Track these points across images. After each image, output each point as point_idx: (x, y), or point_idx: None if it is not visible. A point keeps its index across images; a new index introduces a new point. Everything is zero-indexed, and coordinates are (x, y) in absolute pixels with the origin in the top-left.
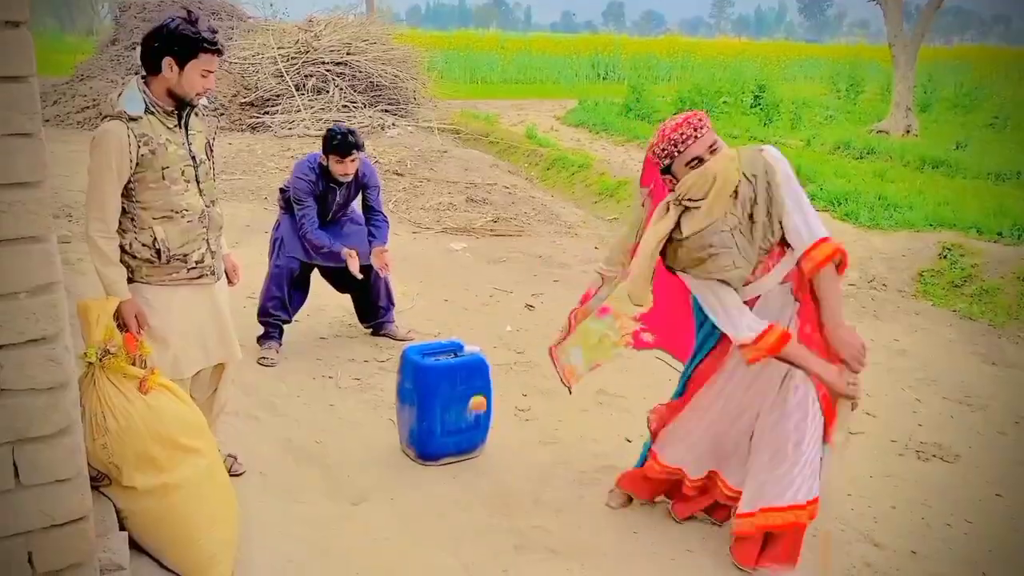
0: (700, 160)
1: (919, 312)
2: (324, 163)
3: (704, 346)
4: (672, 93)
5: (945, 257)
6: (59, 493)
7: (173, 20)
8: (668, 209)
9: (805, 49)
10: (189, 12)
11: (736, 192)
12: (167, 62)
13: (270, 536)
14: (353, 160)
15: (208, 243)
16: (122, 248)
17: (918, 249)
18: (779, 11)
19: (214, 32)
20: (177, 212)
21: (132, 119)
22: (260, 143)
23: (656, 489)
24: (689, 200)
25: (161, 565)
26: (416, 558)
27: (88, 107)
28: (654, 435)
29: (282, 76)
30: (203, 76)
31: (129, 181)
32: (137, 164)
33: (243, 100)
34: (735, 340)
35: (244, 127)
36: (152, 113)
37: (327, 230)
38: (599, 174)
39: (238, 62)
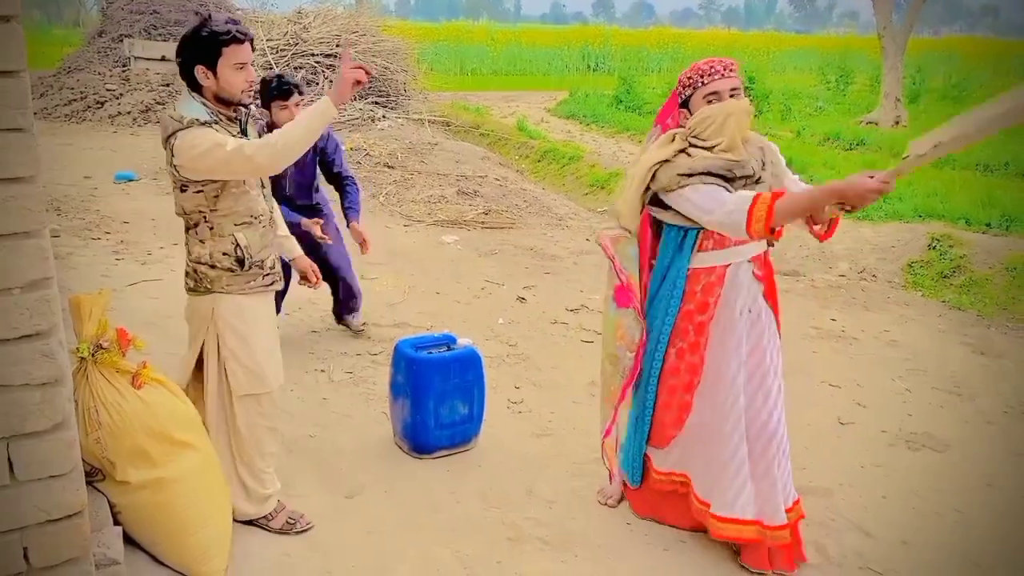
0: (719, 97)
1: (909, 303)
2: (269, 121)
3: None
4: (662, 84)
5: (934, 248)
6: (54, 488)
7: (191, 28)
8: (673, 139)
9: (795, 40)
10: (206, 17)
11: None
12: (200, 71)
13: (264, 530)
14: (298, 104)
15: (273, 248)
16: (199, 260)
17: (907, 240)
18: (769, 2)
19: (231, 23)
20: (255, 217)
21: (204, 124)
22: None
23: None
24: (695, 136)
25: (156, 559)
26: (411, 550)
27: (75, 100)
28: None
29: (271, 68)
30: (239, 69)
31: (209, 189)
32: None
33: None
34: (735, 230)
35: None
36: (217, 121)
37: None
38: (590, 166)
39: None
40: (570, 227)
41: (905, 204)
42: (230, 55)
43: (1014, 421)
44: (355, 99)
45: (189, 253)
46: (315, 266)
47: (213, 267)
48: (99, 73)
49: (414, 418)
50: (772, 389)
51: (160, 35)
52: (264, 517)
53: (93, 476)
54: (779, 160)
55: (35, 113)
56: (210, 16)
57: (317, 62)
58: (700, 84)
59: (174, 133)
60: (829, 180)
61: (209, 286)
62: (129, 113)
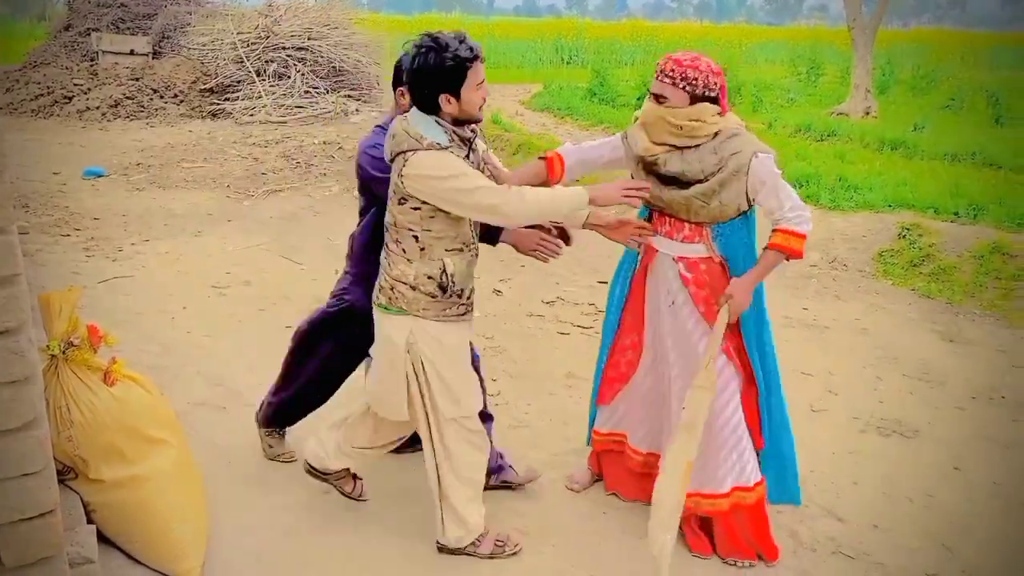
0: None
1: (879, 291)
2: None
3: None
4: (636, 77)
5: (904, 237)
6: (26, 487)
7: (425, 55)
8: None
9: (766, 32)
10: (435, 39)
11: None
12: (444, 99)
13: (241, 526)
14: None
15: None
16: (401, 279)
17: (878, 229)
18: None
19: (463, 41)
20: (466, 245)
21: (443, 149)
22: (221, 130)
23: (623, 480)
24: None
25: (131, 558)
26: (389, 545)
27: (42, 95)
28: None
29: (242, 62)
30: (478, 87)
31: (426, 208)
32: None
33: (203, 87)
34: None
35: (204, 114)
36: (451, 143)
37: None
38: None
39: (197, 48)
40: None
41: (875, 194)
42: (472, 77)
43: (982, 406)
44: (328, 92)
45: (390, 268)
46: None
47: (414, 288)
48: (66, 68)
49: None
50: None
51: (128, 29)
52: (472, 544)
53: (66, 475)
54: (736, 186)
55: (1, 108)
56: (445, 42)
57: (289, 55)
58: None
59: (412, 151)
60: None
61: (404, 307)
62: (98, 108)
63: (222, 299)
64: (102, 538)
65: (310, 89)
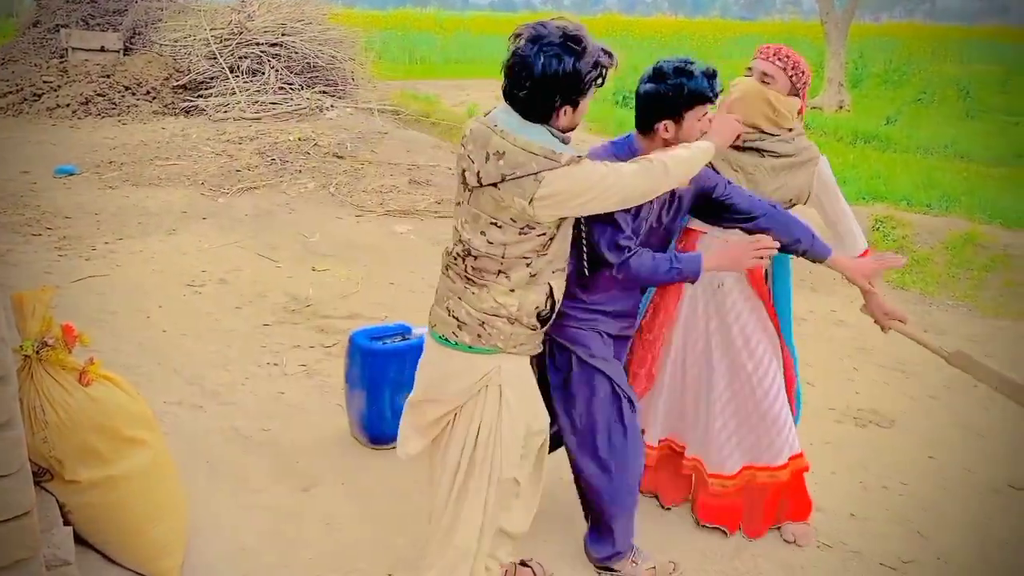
0: (751, 72)
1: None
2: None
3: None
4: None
5: (878, 229)
6: (2, 489)
7: (559, 57)
8: None
9: (740, 27)
10: (580, 45)
11: None
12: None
13: (220, 525)
14: None
15: None
16: (496, 312)
17: None
18: None
19: (606, 52)
20: (566, 263)
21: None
22: (195, 127)
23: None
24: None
25: (108, 559)
26: (370, 541)
27: (10, 92)
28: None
29: (215, 58)
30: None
31: (551, 231)
32: None
33: (175, 83)
34: None
35: (177, 111)
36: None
37: None
38: None
39: (169, 44)
40: None
41: (850, 187)
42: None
43: (956, 395)
44: (302, 88)
45: (478, 300)
46: None
47: (513, 322)
48: (35, 65)
49: (370, 409)
50: (738, 360)
51: (98, 25)
52: None
53: (41, 476)
54: (805, 174)
55: None
56: (582, 43)
57: (262, 51)
58: (753, 57)
59: (545, 170)
60: None
61: (499, 344)
62: (68, 105)
63: (198, 297)
64: (79, 539)
65: (284, 85)
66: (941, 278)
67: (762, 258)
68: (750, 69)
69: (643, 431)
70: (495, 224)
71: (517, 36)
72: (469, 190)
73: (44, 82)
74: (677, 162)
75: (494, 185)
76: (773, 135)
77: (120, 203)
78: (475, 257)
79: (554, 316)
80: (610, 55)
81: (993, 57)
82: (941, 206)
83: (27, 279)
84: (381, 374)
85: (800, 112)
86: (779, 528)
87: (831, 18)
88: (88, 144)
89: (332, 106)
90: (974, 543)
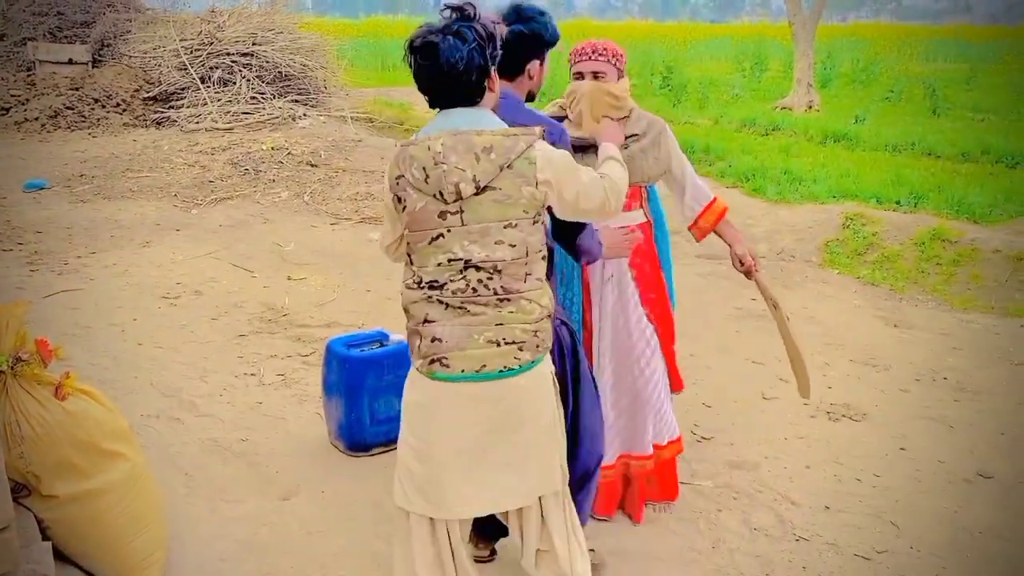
0: (581, 77)
1: (826, 280)
2: (532, 81)
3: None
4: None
5: (848, 227)
6: None
7: (497, 19)
8: (558, 107)
9: (710, 29)
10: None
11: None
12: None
13: (200, 536)
14: None
15: None
16: (544, 315)
17: (823, 220)
18: None
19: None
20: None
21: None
22: (166, 138)
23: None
24: (561, 107)
25: (88, 573)
26: (350, 549)
27: None
28: None
29: (186, 69)
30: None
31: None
32: None
33: (146, 95)
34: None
35: (149, 122)
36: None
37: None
38: None
39: (139, 56)
40: None
41: (820, 186)
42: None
43: (925, 388)
44: (274, 97)
45: (526, 312)
46: None
47: (550, 316)
48: (2, 79)
49: (349, 417)
50: (634, 352)
51: (66, 37)
52: None
53: (19, 492)
54: (665, 144)
55: None
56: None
57: (233, 61)
58: (572, 63)
59: (531, 146)
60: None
61: (550, 342)
62: (37, 119)
63: (173, 309)
64: (58, 554)
65: (256, 95)
66: (911, 274)
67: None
68: (580, 74)
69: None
70: (510, 226)
71: (423, 47)
72: (458, 211)
73: (12, 96)
74: (615, 177)
75: (490, 188)
76: (623, 119)
77: (92, 216)
78: (500, 272)
79: None
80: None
81: (958, 55)
82: (910, 203)
83: (1, 293)
84: (359, 381)
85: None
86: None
87: (798, 19)
88: (58, 158)
89: (305, 115)
90: (946, 532)
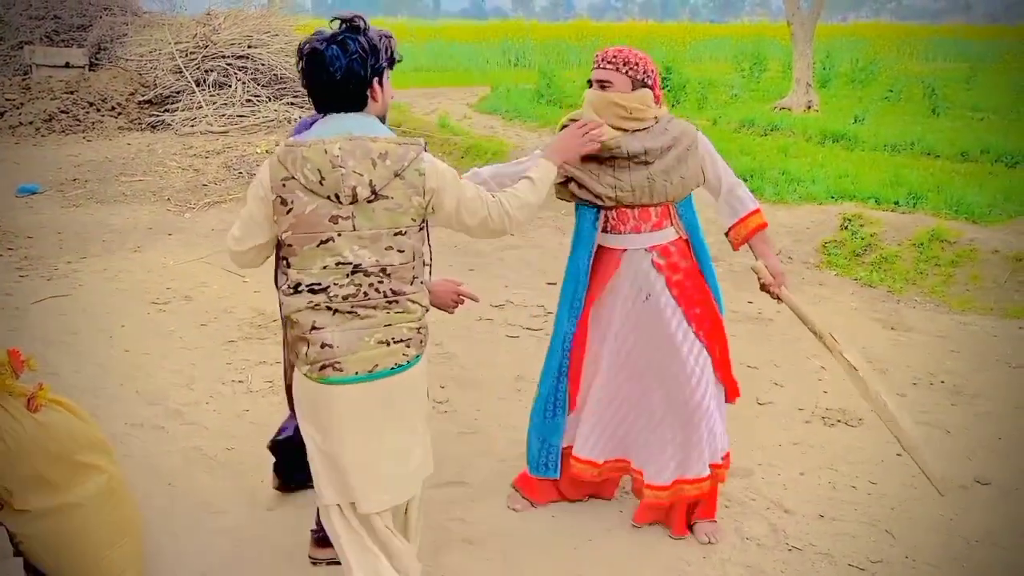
0: (590, 83)
1: (823, 282)
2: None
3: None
4: (582, 77)
5: (846, 228)
6: None
7: (358, 37)
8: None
9: (710, 30)
10: (349, 21)
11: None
12: (375, 86)
13: (181, 549)
14: None
15: None
16: (424, 316)
17: (821, 221)
18: None
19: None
20: None
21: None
22: (160, 142)
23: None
24: (572, 117)
25: None
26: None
27: None
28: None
29: (181, 72)
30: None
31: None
32: None
33: (141, 98)
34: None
35: (143, 126)
36: None
37: None
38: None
39: (134, 59)
40: None
41: (818, 186)
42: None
43: (922, 392)
44: (270, 100)
45: (412, 316)
46: None
47: (428, 312)
48: None
49: None
50: (684, 372)
51: (63, 41)
52: None
53: None
54: (694, 159)
55: None
56: (363, 24)
57: (228, 64)
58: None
59: (419, 156)
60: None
61: (427, 340)
62: (31, 123)
63: (162, 315)
64: (33, 569)
65: (251, 98)
66: (909, 275)
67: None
68: (589, 82)
69: (571, 446)
70: (400, 233)
71: (310, 54)
72: (350, 216)
73: (7, 100)
74: (520, 199)
75: (383, 196)
76: (641, 130)
77: (84, 221)
78: (390, 276)
79: None
80: (389, 37)
81: (958, 54)
82: (908, 203)
83: None
84: None
85: (656, 101)
86: (692, 527)
87: (797, 19)
88: (52, 162)
89: (299, 117)
90: (942, 541)
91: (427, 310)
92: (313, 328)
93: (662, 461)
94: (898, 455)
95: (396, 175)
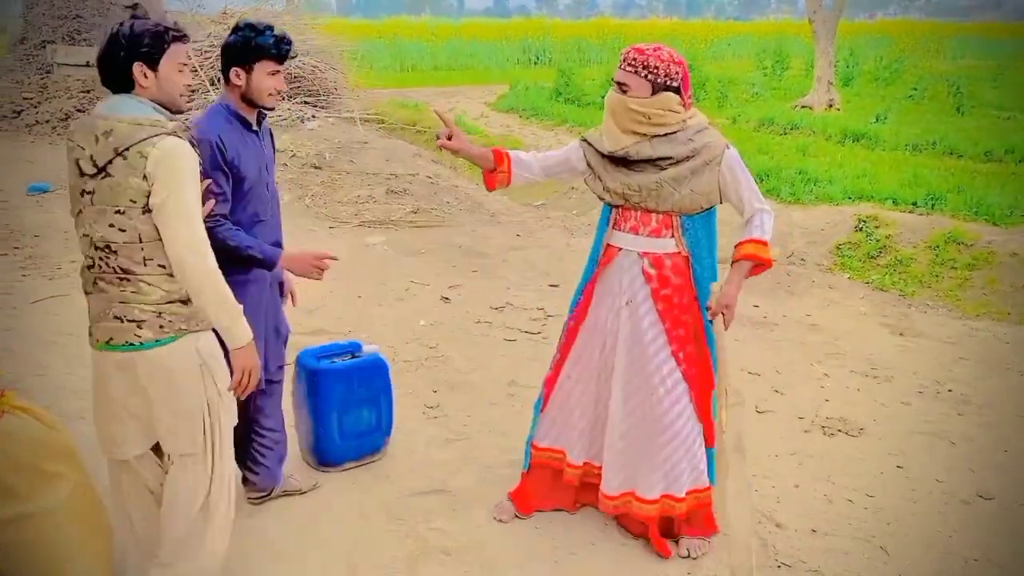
0: (612, 82)
1: (833, 286)
2: (239, 87)
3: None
4: (602, 76)
5: (861, 229)
6: None
7: (123, 23)
8: None
9: (733, 27)
10: (135, 6)
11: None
12: (138, 69)
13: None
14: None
15: None
16: (170, 299)
17: (836, 222)
18: None
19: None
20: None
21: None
22: None
23: (550, 494)
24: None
25: None
26: (309, 570)
27: None
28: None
29: (196, 71)
30: (179, 71)
31: None
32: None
33: None
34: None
35: None
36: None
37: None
38: None
39: None
40: (502, 223)
41: (835, 187)
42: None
43: (928, 401)
44: (284, 99)
45: (148, 293)
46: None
47: (186, 302)
48: (18, 82)
49: (317, 431)
50: (645, 387)
51: (85, 40)
52: None
53: None
54: (710, 174)
55: None
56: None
57: None
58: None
59: (151, 139)
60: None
61: (184, 326)
62: (48, 122)
63: None
64: None
65: None
66: (923, 277)
67: (319, 272)
68: (613, 82)
69: (564, 452)
70: (119, 212)
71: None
72: (91, 191)
73: (24, 99)
74: (218, 284)
75: (107, 173)
76: (659, 135)
77: None
78: (116, 253)
79: None
80: (178, 29)
81: (986, 52)
82: (927, 204)
83: None
84: (327, 394)
85: (686, 105)
86: (677, 541)
87: (819, 16)
88: (65, 160)
89: (313, 116)
90: (938, 559)
91: (175, 296)
92: (86, 292)
93: (612, 470)
94: (898, 467)
95: (117, 153)
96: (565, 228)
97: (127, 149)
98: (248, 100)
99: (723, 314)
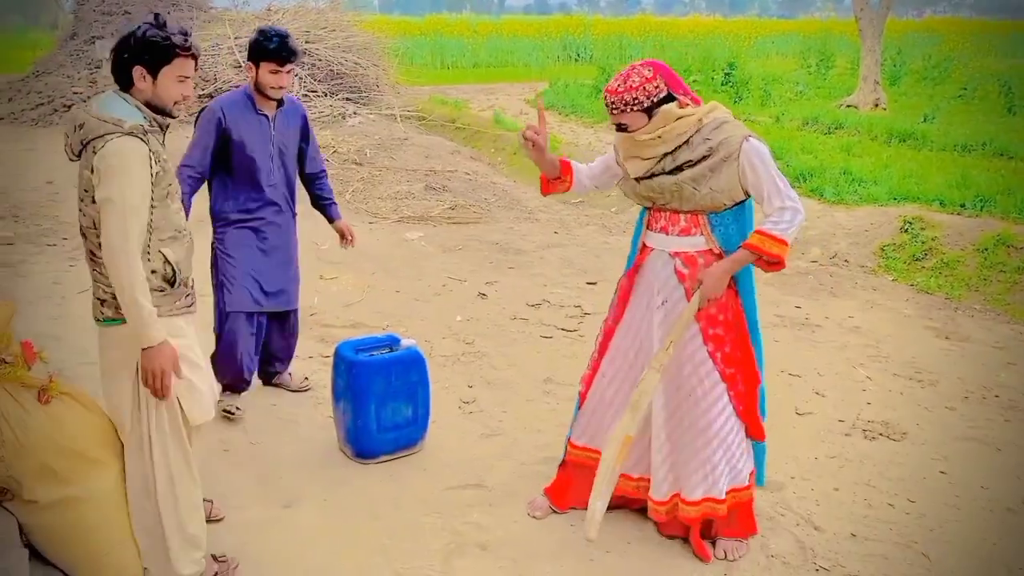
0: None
1: (877, 288)
2: (252, 82)
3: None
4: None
5: (906, 231)
6: None
7: (140, 27)
8: None
9: (777, 25)
10: (156, 16)
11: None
12: (138, 72)
13: None
14: (289, 72)
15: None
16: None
17: (880, 223)
18: None
19: (186, 34)
20: (179, 231)
21: (145, 132)
22: None
23: (585, 491)
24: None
25: None
26: (345, 561)
27: (43, 104)
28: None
29: (240, 67)
30: (180, 82)
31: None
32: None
33: (201, 92)
34: None
35: None
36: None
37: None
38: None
39: None
40: (539, 220)
41: (880, 187)
42: (177, 67)
43: (973, 406)
44: (326, 95)
45: (106, 278)
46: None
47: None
48: (68, 76)
49: (355, 423)
50: (684, 388)
51: None
52: None
53: (2, 495)
54: (728, 171)
55: (2, 119)
56: (164, 21)
57: None
58: None
59: (104, 136)
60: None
61: None
62: None
63: (201, 306)
64: (43, 559)
65: (308, 92)
66: (971, 281)
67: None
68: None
69: (600, 452)
70: (81, 200)
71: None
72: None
73: (74, 94)
74: (136, 284)
75: (78, 158)
76: (679, 145)
77: None
78: (85, 237)
79: (190, 281)
80: (186, 34)
81: None
82: (975, 206)
83: (35, 290)
84: (365, 387)
85: (692, 102)
86: (714, 542)
87: (866, 14)
88: None
89: (355, 113)
90: (981, 567)
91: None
92: None
93: (660, 475)
94: (942, 472)
95: (83, 145)
96: (603, 226)
97: (88, 143)
98: (258, 89)
99: (701, 296)
